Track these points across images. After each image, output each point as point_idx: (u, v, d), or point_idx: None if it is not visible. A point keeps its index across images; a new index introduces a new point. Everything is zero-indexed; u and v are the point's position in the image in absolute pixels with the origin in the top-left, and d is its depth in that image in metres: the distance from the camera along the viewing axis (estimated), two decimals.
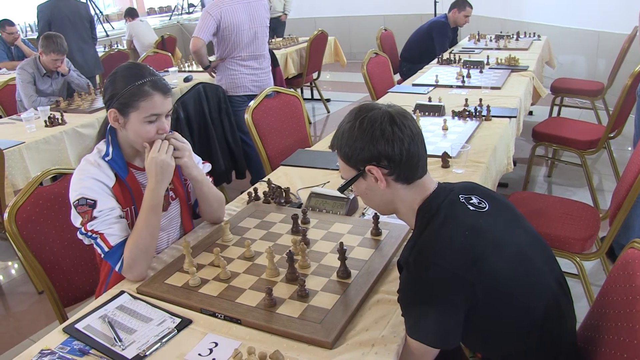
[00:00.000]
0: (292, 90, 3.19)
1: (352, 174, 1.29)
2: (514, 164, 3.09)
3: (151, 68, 1.66)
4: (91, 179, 1.59)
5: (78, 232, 1.58)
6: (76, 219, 1.57)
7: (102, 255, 1.57)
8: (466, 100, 3.01)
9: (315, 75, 6.36)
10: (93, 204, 1.55)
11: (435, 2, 7.45)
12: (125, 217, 1.63)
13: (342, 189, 1.34)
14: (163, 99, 1.61)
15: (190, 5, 12.86)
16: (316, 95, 6.70)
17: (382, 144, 1.22)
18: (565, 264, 2.31)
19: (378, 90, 3.92)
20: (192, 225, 1.89)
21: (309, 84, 6.44)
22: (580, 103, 5.12)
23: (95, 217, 1.55)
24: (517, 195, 2.70)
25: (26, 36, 7.79)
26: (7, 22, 6.38)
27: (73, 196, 1.57)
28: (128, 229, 1.60)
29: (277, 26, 7.24)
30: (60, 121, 3.55)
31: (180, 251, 1.63)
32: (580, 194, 3.65)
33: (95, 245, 1.57)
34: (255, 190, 2.08)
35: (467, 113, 2.85)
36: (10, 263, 3.62)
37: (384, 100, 3.46)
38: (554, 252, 2.23)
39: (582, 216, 2.44)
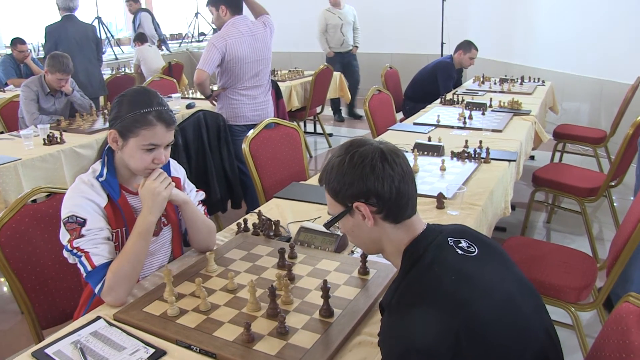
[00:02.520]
0: (292, 122, 3.17)
1: (339, 210, 1.25)
2: (513, 208, 3.06)
3: (161, 97, 1.65)
4: (83, 198, 1.57)
5: (64, 249, 1.54)
6: (64, 237, 1.55)
7: (84, 275, 1.53)
8: (466, 141, 2.99)
9: (318, 109, 6.37)
10: (82, 222, 1.53)
11: (442, 44, 7.52)
12: (115, 239, 1.60)
13: (327, 225, 1.30)
14: (165, 131, 1.60)
15: (201, 33, 13.03)
16: (319, 129, 6.71)
17: (371, 180, 1.18)
18: (560, 314, 2.25)
19: (379, 127, 3.90)
20: (182, 253, 1.85)
21: (312, 117, 6.45)
22: (583, 150, 5.10)
23: (82, 235, 1.52)
24: (513, 240, 2.65)
25: (37, 55, 7.87)
26: (19, 41, 6.52)
27: (64, 213, 1.55)
28: (114, 253, 1.57)
29: (350, 59, 7.29)
30: (59, 140, 3.54)
31: (163, 278, 1.59)
32: (579, 242, 3.60)
33: (79, 264, 1.54)
34: (245, 221, 2.04)
35: (466, 154, 2.82)
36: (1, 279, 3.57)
37: (384, 137, 3.44)
38: (548, 300, 2.20)
39: (579, 265, 2.38)
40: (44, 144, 3.53)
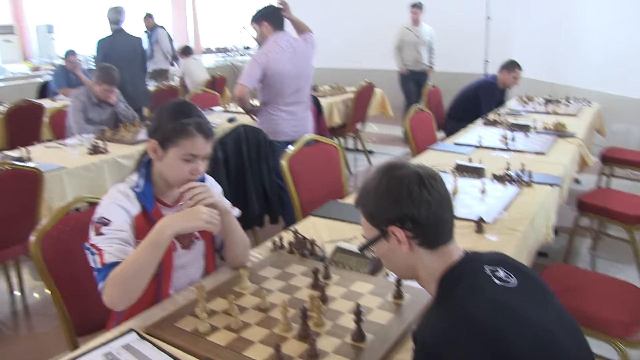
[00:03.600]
0: (331, 139, 3.17)
1: (375, 234, 1.23)
2: (556, 233, 2.97)
3: (199, 110, 1.68)
4: (115, 204, 1.61)
5: (84, 245, 1.58)
6: (90, 235, 1.58)
7: (94, 271, 1.54)
8: (508, 163, 2.92)
9: (359, 126, 6.36)
10: (106, 223, 1.56)
11: (486, 62, 7.43)
12: None
13: (362, 249, 1.28)
14: (204, 142, 1.63)
15: (246, 47, 13.21)
16: (359, 146, 6.69)
17: (408, 205, 1.16)
18: (606, 349, 2.16)
19: (419, 146, 3.86)
20: (215, 268, 1.85)
21: (353, 134, 6.44)
22: (632, 175, 4.94)
23: (101, 234, 1.55)
24: (555, 268, 2.56)
25: (88, 67, 8.14)
26: (71, 52, 6.78)
27: (96, 215, 1.59)
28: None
29: (423, 79, 7.10)
30: (103, 150, 3.62)
31: (195, 293, 1.59)
32: (627, 272, 3.46)
33: (92, 262, 1.56)
34: (281, 238, 2.03)
35: (507, 177, 2.76)
36: (41, 283, 3.65)
37: (425, 156, 3.40)
38: (592, 334, 2.10)
39: (627, 297, 2.28)
40: (89, 153, 3.62)
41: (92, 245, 1.55)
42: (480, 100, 5.19)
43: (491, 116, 4.55)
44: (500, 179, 2.77)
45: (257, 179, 3.67)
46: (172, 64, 8.45)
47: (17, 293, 3.54)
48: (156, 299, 1.66)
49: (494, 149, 3.52)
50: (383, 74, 7.48)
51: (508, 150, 3.48)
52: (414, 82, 7.05)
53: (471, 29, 7.90)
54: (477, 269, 1.18)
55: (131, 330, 1.47)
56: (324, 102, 5.56)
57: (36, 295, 3.58)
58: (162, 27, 8.47)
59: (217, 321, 1.48)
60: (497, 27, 7.51)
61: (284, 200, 3.80)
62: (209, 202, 1.60)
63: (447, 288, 1.17)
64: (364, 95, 6.03)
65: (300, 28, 3.92)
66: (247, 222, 3.48)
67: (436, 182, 1.20)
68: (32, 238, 1.83)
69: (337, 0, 9.26)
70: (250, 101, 3.91)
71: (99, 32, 7.14)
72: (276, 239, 2.03)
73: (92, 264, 1.56)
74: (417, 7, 7.03)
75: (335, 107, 5.94)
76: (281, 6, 3.75)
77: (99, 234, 1.55)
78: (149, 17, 8.50)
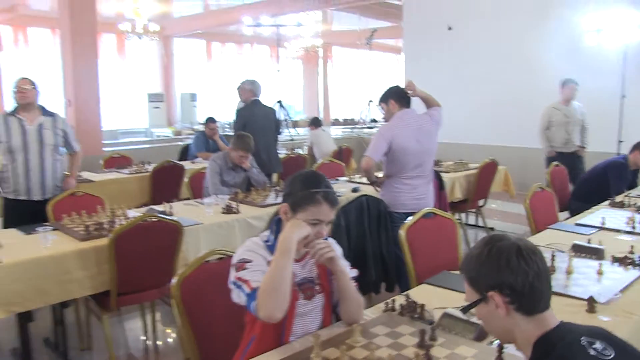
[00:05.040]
0: (448, 214, 3.29)
1: (476, 297, 1.36)
2: None
3: (327, 180, 1.95)
4: (252, 251, 1.89)
5: (230, 284, 1.84)
6: (232, 276, 1.84)
7: (245, 298, 1.78)
8: (632, 247, 2.87)
9: (481, 202, 6.37)
10: (248, 261, 1.83)
11: (620, 142, 7.19)
12: None
13: (464, 310, 1.42)
14: (329, 210, 1.88)
15: (373, 120, 13.69)
16: (481, 223, 6.67)
17: (506, 273, 1.30)
18: None
19: (539, 225, 3.85)
20: (331, 323, 2.04)
21: (474, 210, 6.45)
22: None
23: (245, 269, 1.81)
24: None
25: (224, 132, 8.86)
26: (211, 120, 7.50)
27: (234, 260, 1.87)
28: None
29: (575, 161, 6.70)
30: (235, 210, 4.00)
31: (312, 342, 1.77)
32: None
33: (239, 292, 1.81)
34: (393, 301, 2.18)
35: (629, 260, 2.72)
36: (168, 330, 4.02)
37: (543, 235, 3.41)
38: None
39: None
40: (222, 212, 4.01)
41: (238, 278, 1.82)
42: (609, 180, 5.05)
43: (619, 198, 4.42)
44: (622, 261, 2.73)
45: (376, 247, 3.84)
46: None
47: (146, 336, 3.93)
48: (277, 343, 1.87)
49: (618, 231, 3.44)
50: (507, 151, 7.47)
51: (633, 233, 3.39)
52: (563, 164, 6.24)
53: (604, 108, 7.69)
54: (572, 339, 1.27)
55: None
56: (446, 177, 5.68)
57: (168, 339, 3.94)
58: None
59: None
60: (633, 105, 7.28)
61: (400, 270, 3.92)
62: (329, 256, 1.83)
63: (541, 353, 1.27)
64: (487, 171, 6.07)
65: (430, 103, 4.14)
66: (364, 287, 3.64)
67: (535, 255, 1.32)
68: (174, 281, 2.13)
69: (463, 76, 9.42)
70: (375, 173, 4.14)
71: (234, 101, 7.87)
72: (389, 301, 2.18)
73: (237, 297, 1.82)
74: (572, 83, 6.65)
75: (458, 182, 6.01)
76: (409, 90, 4.01)
77: (242, 269, 1.82)
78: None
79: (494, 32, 9.05)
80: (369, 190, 4.68)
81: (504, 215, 7.58)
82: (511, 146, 8.25)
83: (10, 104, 11.71)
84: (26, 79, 4.15)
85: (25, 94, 4.09)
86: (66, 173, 4.44)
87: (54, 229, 3.52)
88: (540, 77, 8.22)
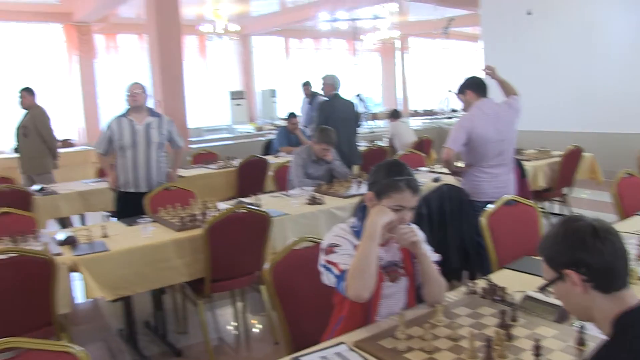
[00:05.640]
0: (530, 201, 3.30)
1: (553, 276, 1.43)
2: None
3: (409, 168, 2.06)
4: (341, 237, 2.03)
5: (320, 266, 1.99)
6: (321, 259, 1.99)
7: (334, 279, 1.92)
8: None
9: (566, 190, 6.22)
10: (336, 246, 1.98)
11: None
12: None
13: (541, 288, 1.48)
14: (411, 196, 1.99)
15: (452, 110, 13.53)
16: (566, 211, 6.51)
17: (581, 251, 1.36)
18: None
19: (627, 211, 3.77)
20: (415, 305, 2.15)
21: (558, 198, 6.31)
22: None
23: (334, 252, 1.96)
24: None
25: (305, 126, 9.08)
26: (292, 115, 7.74)
27: (324, 244, 2.01)
28: None
29: None
30: (319, 201, 4.16)
31: (397, 321, 1.89)
32: None
33: (329, 274, 1.95)
34: (475, 284, 2.26)
35: None
36: (256, 317, 4.24)
37: (630, 221, 3.35)
38: None
39: None
40: (307, 203, 4.18)
41: (327, 261, 1.97)
42: None
43: None
44: None
45: (457, 235, 3.89)
46: None
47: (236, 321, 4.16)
48: (364, 322, 2.00)
49: None
50: (594, 137, 7.24)
51: None
52: None
53: None
54: None
55: (342, 343, 1.83)
56: (529, 165, 5.61)
57: (257, 325, 4.17)
58: (320, 94, 9.10)
59: (413, 343, 1.76)
60: None
61: (482, 257, 3.95)
62: (413, 240, 1.93)
63: (621, 329, 1.32)
64: (572, 159, 5.93)
65: (507, 90, 4.14)
66: (446, 274, 3.69)
67: (611, 234, 1.37)
68: (266, 266, 2.31)
69: (545, 62, 9.17)
70: (455, 163, 4.18)
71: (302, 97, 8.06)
72: (470, 284, 2.26)
73: (327, 279, 1.97)
74: None
75: (541, 170, 5.92)
76: (488, 71, 4.03)
77: (331, 253, 1.97)
78: (307, 85, 9.11)
79: (578, 16, 8.76)
80: (450, 180, 4.72)
81: (591, 204, 7.35)
82: (598, 132, 7.97)
83: (105, 105, 12.55)
84: (137, 83, 4.55)
85: (136, 97, 4.49)
86: (169, 169, 4.80)
87: (153, 221, 3.81)
88: (630, 63, 7.90)
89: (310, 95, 8.90)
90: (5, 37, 12.13)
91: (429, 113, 15.79)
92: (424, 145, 7.82)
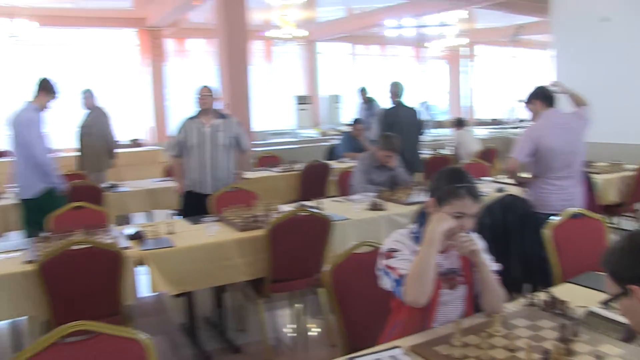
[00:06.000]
0: (598, 215, 3.20)
1: (617, 291, 1.40)
2: None
3: (470, 176, 2.06)
4: (400, 242, 2.05)
5: (377, 269, 2.02)
6: (380, 263, 2.02)
7: (392, 284, 1.95)
8: None
9: (638, 205, 5.97)
10: (396, 251, 2.01)
11: None
12: None
13: (604, 303, 1.46)
14: (472, 204, 1.99)
15: (520, 120, 13.23)
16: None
17: None
18: None
19: None
20: (472, 313, 2.13)
21: (631, 214, 6.06)
22: None
23: (393, 257, 1.99)
24: None
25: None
26: (357, 121, 7.76)
27: (383, 249, 2.05)
28: None
29: None
30: (380, 207, 4.17)
31: (453, 328, 1.88)
32: None
33: (387, 279, 1.99)
34: (535, 296, 2.22)
35: None
36: (314, 320, 4.28)
37: None
38: None
39: None
40: (369, 209, 4.19)
41: (386, 266, 2.00)
42: None
43: None
44: None
45: (519, 246, 3.81)
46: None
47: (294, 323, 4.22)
48: (421, 328, 2.01)
49: None
50: None
51: None
52: None
53: None
54: None
55: (397, 347, 1.85)
56: (599, 178, 5.44)
57: (314, 328, 4.21)
58: (375, 100, 9.06)
59: (469, 351, 1.76)
60: None
61: (546, 271, 3.85)
62: (472, 249, 1.93)
63: None
64: None
65: (577, 101, 4.04)
66: (507, 287, 3.62)
67: None
68: (326, 268, 2.35)
69: (620, 71, 8.82)
70: (519, 174, 4.10)
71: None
72: (530, 296, 2.22)
73: (385, 283, 2.00)
74: None
75: (612, 184, 5.70)
76: (555, 87, 3.94)
77: (390, 257, 2.00)
78: (363, 91, 9.12)
79: None
80: (514, 191, 4.63)
81: None
82: None
83: (173, 107, 12.98)
84: (206, 87, 4.70)
85: (205, 100, 4.63)
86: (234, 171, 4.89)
87: (217, 220, 3.92)
88: None
89: (367, 101, 8.96)
90: (83, 42, 12.76)
91: (495, 122, 15.49)
92: (489, 154, 7.69)
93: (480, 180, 5.37)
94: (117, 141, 7.33)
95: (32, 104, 4.60)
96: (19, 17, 9.58)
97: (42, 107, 4.63)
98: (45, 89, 4.63)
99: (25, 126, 4.50)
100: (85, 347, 1.72)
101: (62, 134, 8.11)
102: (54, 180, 4.67)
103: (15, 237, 4.88)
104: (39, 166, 4.55)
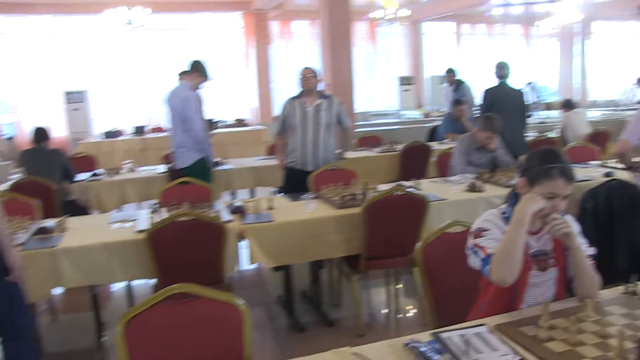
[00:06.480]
0: None
1: None
2: None
3: (564, 157, 2.02)
4: (490, 222, 2.06)
5: (466, 248, 2.05)
6: (469, 242, 2.05)
7: (480, 263, 1.97)
8: None
9: None
10: (485, 230, 2.02)
11: None
12: None
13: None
14: (564, 184, 1.95)
15: (638, 102, 12.37)
16: None
17: None
18: None
19: None
20: (564, 298, 2.10)
21: None
22: None
23: (482, 236, 2.01)
24: None
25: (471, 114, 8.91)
26: (458, 102, 7.62)
27: (473, 228, 2.07)
28: None
29: None
30: (479, 189, 4.12)
31: (542, 310, 1.87)
32: None
33: (475, 257, 2.01)
34: (636, 285, 2.14)
35: None
36: (408, 300, 4.33)
37: None
38: None
39: None
40: (467, 190, 4.17)
41: (475, 245, 2.02)
42: None
43: None
44: None
45: (626, 235, 3.63)
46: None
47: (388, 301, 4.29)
48: (509, 308, 2.01)
49: None
50: None
51: None
52: None
53: None
54: None
55: (483, 324, 1.87)
56: None
57: (407, 307, 4.27)
58: (464, 82, 8.75)
59: (556, 334, 1.74)
60: None
61: None
62: (565, 232, 1.90)
63: None
64: None
65: None
66: (612, 276, 3.47)
67: None
68: (418, 245, 2.41)
69: None
70: (631, 157, 3.89)
71: (480, 83, 7.86)
72: (630, 284, 2.15)
73: (473, 262, 2.03)
74: None
75: None
76: None
77: (479, 237, 2.02)
78: (451, 72, 8.95)
79: None
80: (623, 175, 4.41)
81: None
82: None
83: (277, 88, 13.31)
84: (309, 68, 4.85)
85: (308, 81, 4.78)
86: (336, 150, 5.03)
87: (315, 197, 4.05)
88: None
89: (454, 83, 8.84)
90: (191, 25, 13.35)
91: (610, 104, 14.56)
92: (600, 137, 7.30)
93: (586, 164, 5.14)
94: (218, 122, 7.57)
95: (186, 83, 5.13)
96: (134, 5, 10.26)
97: (195, 87, 5.16)
98: (198, 70, 5.15)
99: (185, 102, 5.03)
100: (186, 308, 1.91)
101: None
102: (208, 152, 5.23)
103: (130, 209, 5.29)
104: (195, 139, 5.08)
